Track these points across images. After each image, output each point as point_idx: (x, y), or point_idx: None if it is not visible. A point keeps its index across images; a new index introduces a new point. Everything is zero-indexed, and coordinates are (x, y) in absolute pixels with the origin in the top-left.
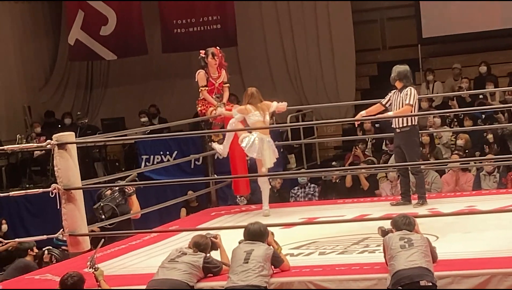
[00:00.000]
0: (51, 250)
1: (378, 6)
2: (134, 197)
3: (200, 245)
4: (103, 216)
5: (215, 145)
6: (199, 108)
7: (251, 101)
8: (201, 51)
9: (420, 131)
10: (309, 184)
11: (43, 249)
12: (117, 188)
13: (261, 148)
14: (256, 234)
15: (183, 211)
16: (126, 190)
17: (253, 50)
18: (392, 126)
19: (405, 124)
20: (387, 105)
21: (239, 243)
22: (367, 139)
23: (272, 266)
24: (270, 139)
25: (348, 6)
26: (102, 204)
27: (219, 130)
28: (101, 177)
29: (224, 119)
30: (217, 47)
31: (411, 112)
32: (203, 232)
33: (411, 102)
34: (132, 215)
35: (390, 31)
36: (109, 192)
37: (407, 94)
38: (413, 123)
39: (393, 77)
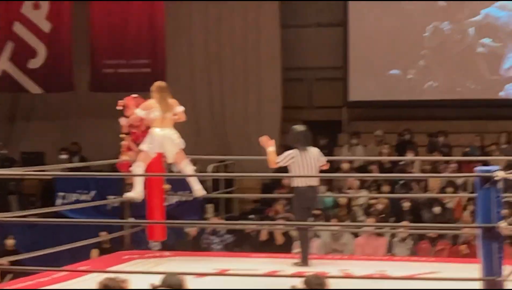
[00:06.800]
0: None
1: (308, 65)
2: None
3: (109, 288)
4: None
5: (127, 195)
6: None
7: (156, 96)
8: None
9: (338, 195)
10: (224, 235)
11: None
12: None
13: (161, 141)
14: (173, 285)
15: (95, 251)
16: None
17: (180, 96)
18: None
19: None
20: None
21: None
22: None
23: None
24: (172, 131)
25: (278, 63)
26: None
27: (139, 173)
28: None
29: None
30: None
31: None
32: (113, 275)
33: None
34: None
35: (318, 91)
36: None
37: None
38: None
39: None
